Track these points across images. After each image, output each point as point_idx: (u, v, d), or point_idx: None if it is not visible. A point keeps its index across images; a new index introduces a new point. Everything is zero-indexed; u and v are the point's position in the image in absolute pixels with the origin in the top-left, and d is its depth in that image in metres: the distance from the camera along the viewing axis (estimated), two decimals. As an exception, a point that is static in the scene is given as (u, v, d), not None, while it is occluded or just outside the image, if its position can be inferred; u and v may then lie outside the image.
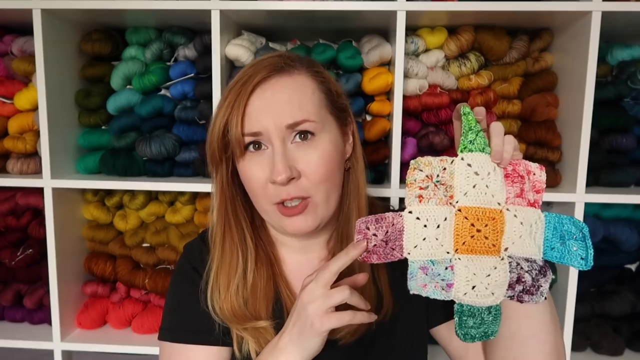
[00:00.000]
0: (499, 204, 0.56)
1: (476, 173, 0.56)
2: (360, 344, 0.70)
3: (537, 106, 1.17)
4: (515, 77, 1.23)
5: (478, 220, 0.55)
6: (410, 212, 0.56)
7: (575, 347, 1.19)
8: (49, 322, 1.25)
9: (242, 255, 0.71)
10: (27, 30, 1.19)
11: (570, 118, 1.14)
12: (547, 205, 1.24)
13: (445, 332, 0.75)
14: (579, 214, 1.10)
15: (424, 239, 0.56)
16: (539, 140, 1.18)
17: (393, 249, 0.57)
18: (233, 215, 0.72)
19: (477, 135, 0.56)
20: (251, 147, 0.66)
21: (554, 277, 1.20)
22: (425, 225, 0.56)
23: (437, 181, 0.57)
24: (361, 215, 0.69)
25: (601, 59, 1.22)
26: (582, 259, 0.56)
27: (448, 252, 0.56)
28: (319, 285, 0.58)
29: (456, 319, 0.57)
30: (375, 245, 0.57)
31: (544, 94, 1.19)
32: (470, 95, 1.21)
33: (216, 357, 0.71)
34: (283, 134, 0.64)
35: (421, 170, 0.57)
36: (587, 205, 1.11)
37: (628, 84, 1.19)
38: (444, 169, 0.57)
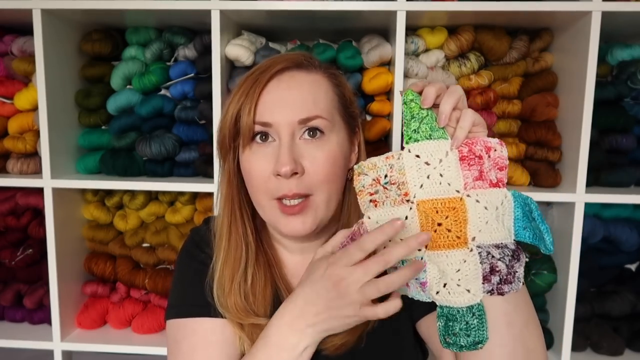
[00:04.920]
0: (457, 191, 0.52)
1: (427, 163, 0.53)
2: (349, 358, 0.69)
3: (537, 106, 1.17)
4: (515, 77, 1.23)
5: (437, 213, 0.52)
6: (369, 217, 0.55)
7: (575, 347, 1.18)
8: (49, 322, 1.25)
9: (245, 249, 0.71)
10: (27, 30, 1.19)
11: (570, 118, 1.13)
12: (547, 205, 1.24)
13: (425, 326, 0.73)
14: (579, 214, 1.10)
15: (390, 240, 0.53)
16: (539, 140, 1.18)
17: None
18: (238, 207, 0.71)
19: (420, 122, 0.53)
20: (258, 138, 0.65)
21: (553, 275, 1.20)
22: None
23: (386, 182, 0.54)
24: None
25: (601, 59, 1.22)
26: (545, 238, 0.53)
27: (419, 250, 0.53)
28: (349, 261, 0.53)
29: (440, 324, 0.54)
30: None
31: (544, 94, 1.19)
32: (471, 95, 1.21)
33: (222, 328, 0.70)
34: (293, 128, 0.64)
35: (366, 175, 0.55)
36: (587, 205, 1.11)
37: (628, 84, 1.19)
38: (391, 166, 0.54)
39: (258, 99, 0.64)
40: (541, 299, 1.26)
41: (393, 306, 0.53)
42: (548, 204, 1.24)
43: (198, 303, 0.71)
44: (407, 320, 0.74)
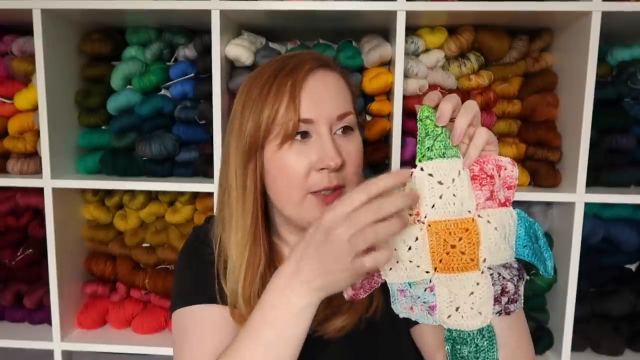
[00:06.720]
0: (469, 211, 0.51)
1: (440, 182, 0.51)
2: (349, 341, 0.69)
3: (537, 106, 1.17)
4: (515, 77, 1.23)
5: (451, 235, 0.50)
6: None
7: (575, 347, 1.18)
8: (49, 322, 1.25)
9: (262, 250, 0.70)
10: (27, 30, 1.18)
11: (570, 118, 1.14)
12: (547, 205, 1.24)
13: (418, 333, 0.73)
14: (579, 214, 1.10)
15: (397, 262, 0.52)
16: (539, 140, 1.18)
17: (373, 276, 0.54)
18: (260, 209, 0.70)
19: (435, 140, 0.51)
20: (298, 136, 0.66)
21: (553, 275, 1.20)
22: (395, 249, 0.52)
23: None
24: None
25: (601, 59, 1.22)
26: (547, 264, 0.52)
27: (427, 272, 0.51)
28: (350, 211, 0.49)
29: (448, 348, 0.53)
30: (362, 280, 0.54)
31: (544, 94, 1.19)
32: (471, 95, 1.21)
33: (229, 315, 0.69)
34: (332, 124, 0.66)
35: None
36: (587, 205, 1.11)
37: (628, 84, 1.19)
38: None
39: (300, 96, 0.65)
40: (541, 299, 1.26)
41: (383, 256, 0.47)
42: (548, 204, 1.24)
43: (204, 294, 0.70)
44: (404, 325, 0.74)
